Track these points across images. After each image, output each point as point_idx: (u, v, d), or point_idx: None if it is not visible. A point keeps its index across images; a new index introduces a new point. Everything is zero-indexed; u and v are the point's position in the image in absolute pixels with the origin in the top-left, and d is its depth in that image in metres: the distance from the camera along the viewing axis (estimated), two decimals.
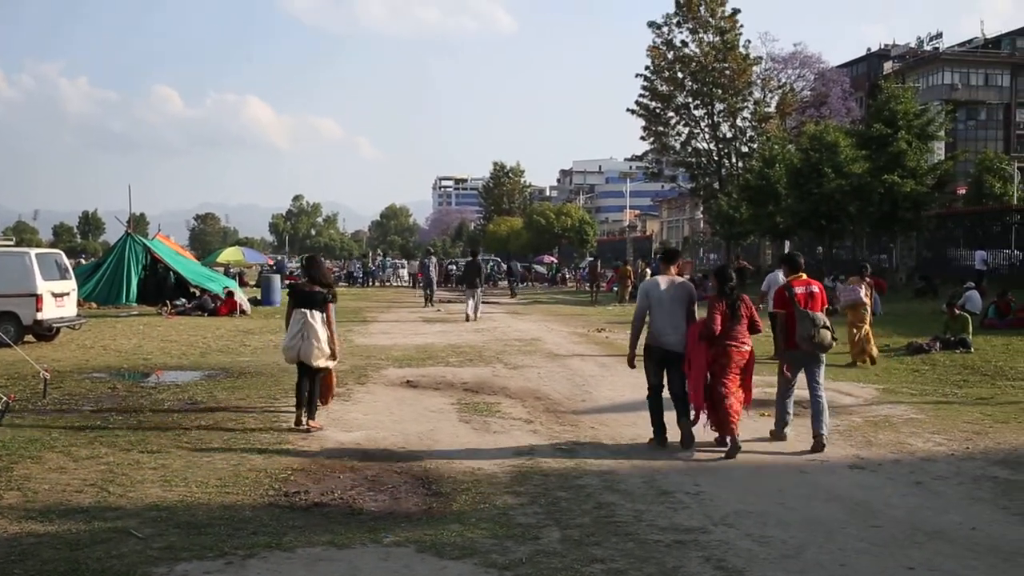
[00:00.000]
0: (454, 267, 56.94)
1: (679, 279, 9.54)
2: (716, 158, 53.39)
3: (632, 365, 9.53)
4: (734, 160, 53.15)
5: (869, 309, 16.04)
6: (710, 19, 51.40)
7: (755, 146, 51.07)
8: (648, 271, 31.67)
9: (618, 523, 6.48)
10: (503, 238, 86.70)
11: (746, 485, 7.59)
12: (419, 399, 12.01)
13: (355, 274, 57.16)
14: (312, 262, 11.09)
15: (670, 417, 9.20)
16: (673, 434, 9.15)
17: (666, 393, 9.27)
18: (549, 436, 9.60)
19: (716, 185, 52.93)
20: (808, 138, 38.60)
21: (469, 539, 6.10)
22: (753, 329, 9.16)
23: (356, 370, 14.70)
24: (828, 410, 9.29)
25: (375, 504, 7.05)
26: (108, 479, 7.54)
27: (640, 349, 9.43)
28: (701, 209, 63.93)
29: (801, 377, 9.36)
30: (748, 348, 9.10)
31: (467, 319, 25.07)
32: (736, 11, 51.42)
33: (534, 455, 8.63)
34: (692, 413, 9.10)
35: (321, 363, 9.97)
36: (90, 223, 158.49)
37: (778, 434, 9.50)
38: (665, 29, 52.44)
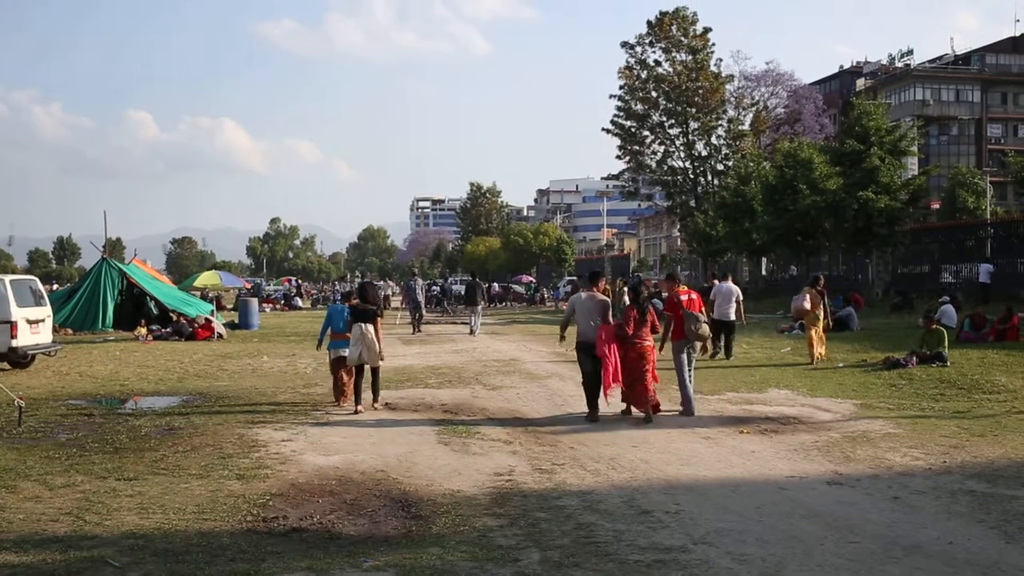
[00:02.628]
0: (436, 288, 56.87)
1: (598, 294, 12.56)
2: (692, 176, 53.71)
3: (560, 340, 13.32)
4: (710, 178, 53.49)
5: (821, 315, 18.25)
6: (682, 38, 51.82)
7: (730, 164, 51.43)
8: (626, 289, 32.91)
9: (598, 543, 6.47)
10: (481, 258, 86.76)
11: (725, 503, 7.59)
12: (398, 421, 11.99)
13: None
14: (365, 287, 13.98)
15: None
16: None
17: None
18: (528, 457, 9.59)
19: (692, 203, 53.23)
20: (782, 155, 38.91)
21: (449, 562, 6.08)
22: (653, 330, 12.38)
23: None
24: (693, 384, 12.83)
25: (354, 528, 7.02)
26: (84, 507, 7.47)
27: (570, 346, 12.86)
28: (678, 227, 64.26)
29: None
30: (649, 344, 12.17)
31: (471, 333, 28.18)
32: (707, 30, 51.89)
33: (513, 476, 8.62)
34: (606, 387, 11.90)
35: (377, 363, 12.99)
36: (65, 248, 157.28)
37: (686, 409, 12.39)
38: (639, 49, 52.86)
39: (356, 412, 12.57)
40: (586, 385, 12.26)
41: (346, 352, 13.06)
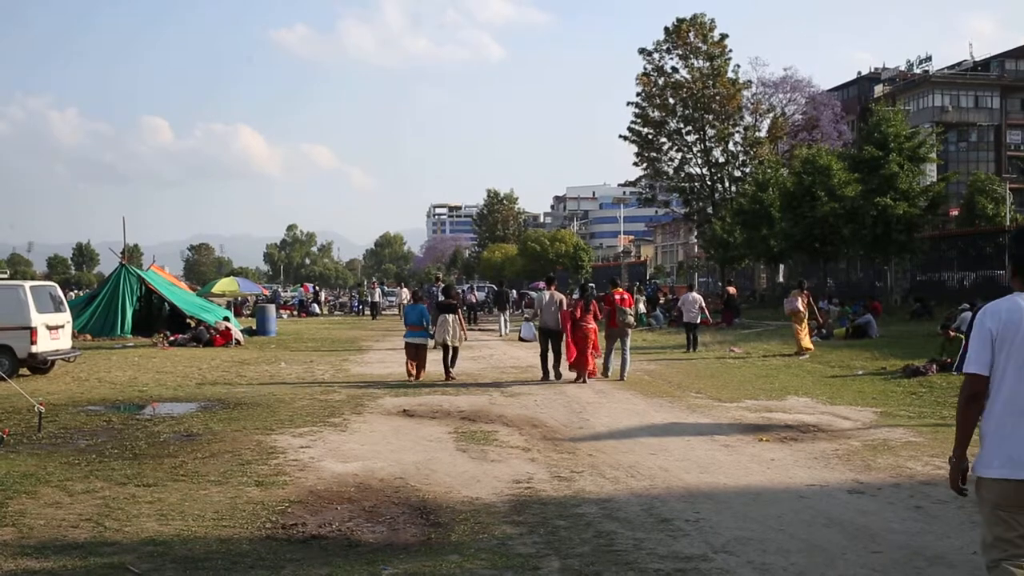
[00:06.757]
0: (481, 291, 56.72)
1: (556, 293, 17.60)
2: (709, 183, 53.56)
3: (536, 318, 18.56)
4: (727, 184, 53.34)
5: (805, 314, 21.56)
6: (700, 45, 51.72)
7: (748, 170, 51.26)
8: (642, 297, 36.82)
9: (618, 552, 6.44)
10: (498, 265, 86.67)
11: (746, 511, 7.55)
12: (416, 428, 11.98)
13: (351, 303, 57.80)
14: (449, 289, 20.59)
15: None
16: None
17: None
18: (547, 464, 9.57)
19: (710, 209, 53.07)
20: (800, 162, 38.76)
21: (468, 570, 6.06)
22: (595, 317, 17.03)
23: (352, 399, 14.68)
24: (630, 363, 17.53)
25: (373, 535, 7.01)
26: (104, 513, 7.49)
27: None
28: (695, 234, 64.07)
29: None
30: (592, 327, 16.82)
31: (500, 335, 31.27)
32: (724, 36, 51.78)
33: (532, 484, 8.60)
34: (565, 362, 17.07)
35: (456, 343, 17.70)
36: (84, 255, 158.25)
37: (604, 373, 17.34)
38: (656, 56, 52.80)
39: (445, 379, 17.22)
40: (542, 356, 17.44)
41: (415, 340, 17.50)
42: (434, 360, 17.96)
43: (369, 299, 52.51)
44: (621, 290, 18.42)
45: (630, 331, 17.83)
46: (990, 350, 4.17)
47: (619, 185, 75.00)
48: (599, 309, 17.67)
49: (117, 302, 29.49)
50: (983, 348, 4.19)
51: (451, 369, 17.61)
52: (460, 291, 53.02)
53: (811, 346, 21.43)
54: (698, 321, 24.23)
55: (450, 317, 17.71)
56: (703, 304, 25.01)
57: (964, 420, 4.35)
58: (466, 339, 18.02)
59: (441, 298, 19.83)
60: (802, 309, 21.52)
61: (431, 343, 17.92)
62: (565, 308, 17.15)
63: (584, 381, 16.62)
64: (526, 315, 24.20)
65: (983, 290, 31.87)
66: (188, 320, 29.07)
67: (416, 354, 17.55)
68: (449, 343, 17.53)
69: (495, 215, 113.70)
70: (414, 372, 17.48)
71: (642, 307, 35.30)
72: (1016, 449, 4.14)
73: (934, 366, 16.33)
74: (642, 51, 53.07)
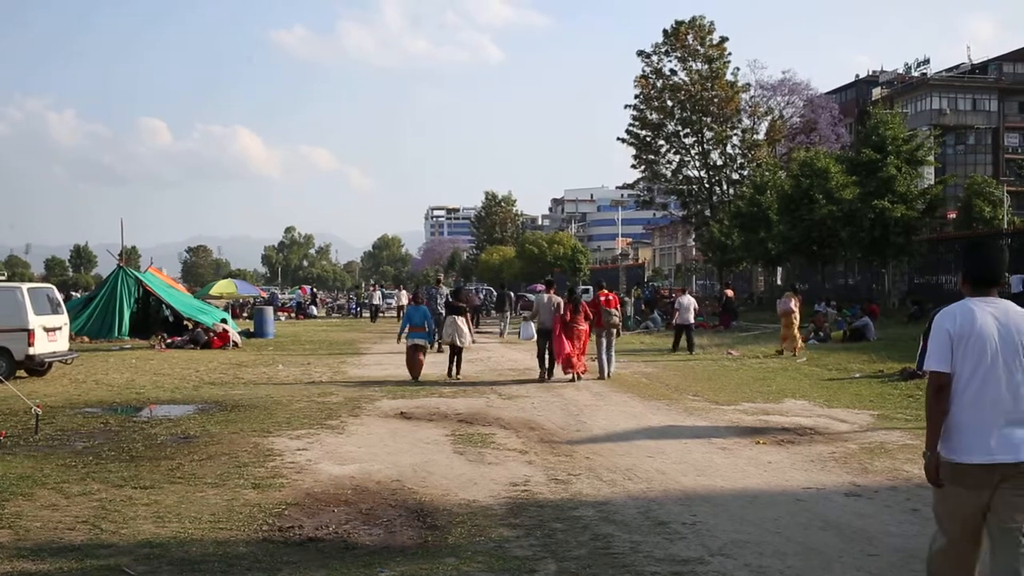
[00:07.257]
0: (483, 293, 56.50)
1: (554, 296, 18.30)
2: (707, 185, 53.60)
3: (534, 319, 19.20)
4: (725, 187, 53.37)
5: (797, 315, 22.59)
6: (699, 48, 51.77)
7: (746, 173, 51.29)
8: (635, 297, 39.48)
9: (615, 554, 6.44)
10: (495, 267, 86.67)
11: (742, 514, 7.54)
12: (413, 431, 11.97)
13: (348, 306, 57.83)
14: (458, 291, 22.17)
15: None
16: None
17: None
18: (544, 467, 9.56)
19: (707, 212, 53.11)
20: (798, 164, 38.78)
21: (465, 572, 6.06)
22: (587, 317, 17.74)
23: (350, 401, 14.67)
24: (615, 362, 18.58)
25: (370, 538, 7.00)
26: (101, 516, 7.48)
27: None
28: (693, 236, 64.06)
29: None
30: (584, 328, 17.62)
31: (501, 336, 31.78)
32: (724, 39, 51.82)
33: (529, 486, 8.60)
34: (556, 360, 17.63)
35: (464, 344, 18.32)
36: (82, 256, 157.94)
37: (601, 375, 17.79)
38: (654, 58, 52.84)
39: (448, 378, 17.79)
40: (539, 356, 18.09)
41: (419, 341, 17.89)
42: (432, 362, 17.99)
43: (368, 302, 52.38)
44: (606, 291, 19.36)
45: (615, 331, 18.62)
46: (950, 349, 4.61)
47: (617, 187, 75.21)
48: (588, 309, 18.25)
49: (115, 304, 29.47)
50: (943, 347, 4.63)
51: (459, 370, 18.22)
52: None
53: (802, 344, 22.60)
54: (691, 322, 24.68)
55: (459, 319, 18.41)
56: (696, 307, 26.10)
57: (933, 413, 4.67)
58: (474, 341, 18.60)
59: (447, 300, 20.93)
60: (795, 310, 22.36)
61: (435, 345, 18.47)
62: (560, 313, 17.63)
63: (579, 378, 17.42)
64: (524, 316, 25.43)
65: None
66: (185, 322, 29.04)
67: (416, 355, 17.85)
68: (458, 343, 18.17)
69: (493, 217, 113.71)
70: (414, 372, 17.78)
71: (629, 309, 35.64)
72: (977, 436, 4.51)
73: None
74: (640, 53, 53.13)
